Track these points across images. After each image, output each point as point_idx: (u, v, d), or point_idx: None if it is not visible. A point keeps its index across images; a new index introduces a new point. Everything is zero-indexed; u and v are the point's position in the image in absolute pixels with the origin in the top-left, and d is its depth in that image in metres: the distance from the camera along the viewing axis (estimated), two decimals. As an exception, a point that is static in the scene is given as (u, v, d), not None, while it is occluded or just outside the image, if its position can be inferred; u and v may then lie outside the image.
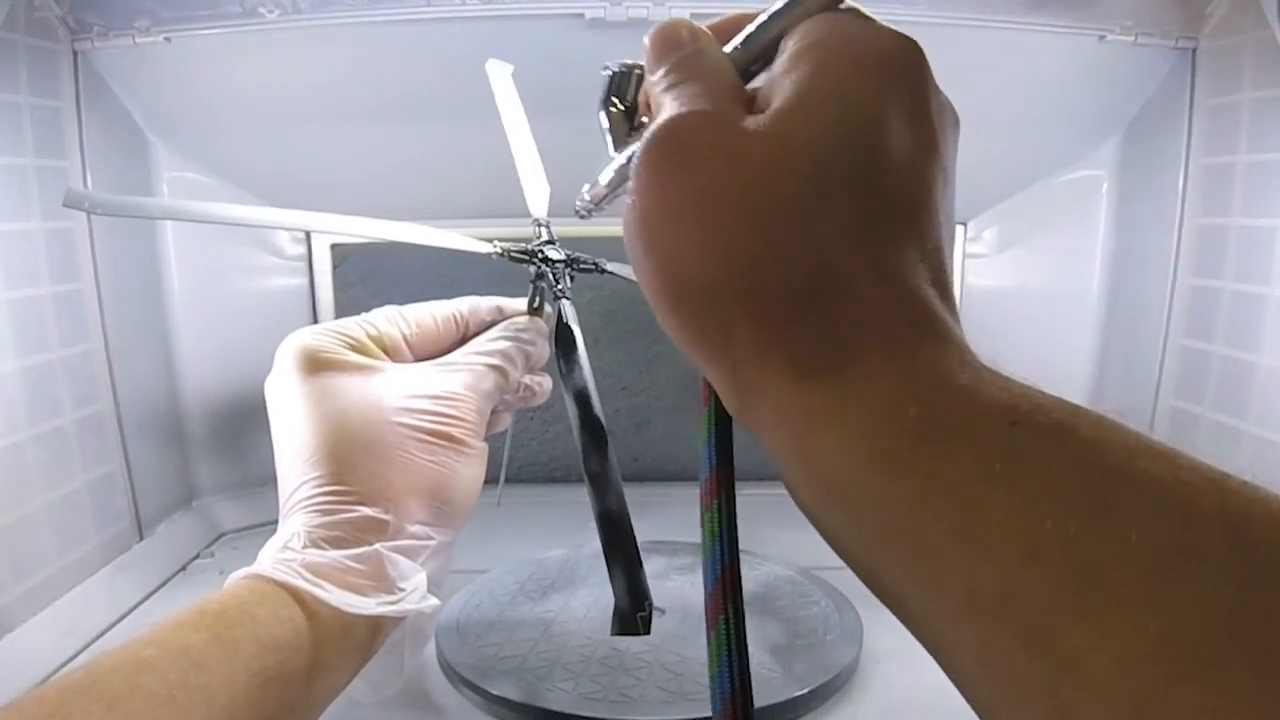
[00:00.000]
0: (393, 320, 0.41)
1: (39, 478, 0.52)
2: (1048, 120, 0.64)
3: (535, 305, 0.45)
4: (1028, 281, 0.73)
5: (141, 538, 0.61)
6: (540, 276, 0.46)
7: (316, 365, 0.37)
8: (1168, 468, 0.15)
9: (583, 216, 0.31)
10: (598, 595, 0.52)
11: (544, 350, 0.43)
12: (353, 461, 0.35)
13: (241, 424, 0.70)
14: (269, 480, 0.71)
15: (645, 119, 0.27)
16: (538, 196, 0.47)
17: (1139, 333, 0.66)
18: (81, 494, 0.55)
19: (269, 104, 0.62)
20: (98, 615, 0.53)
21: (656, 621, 0.49)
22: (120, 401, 0.60)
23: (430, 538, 0.36)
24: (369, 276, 0.73)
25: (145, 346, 0.64)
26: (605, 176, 0.28)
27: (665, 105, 0.21)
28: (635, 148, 0.22)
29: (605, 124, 0.28)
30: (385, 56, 0.60)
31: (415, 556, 0.35)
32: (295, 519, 0.34)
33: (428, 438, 0.36)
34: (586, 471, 0.44)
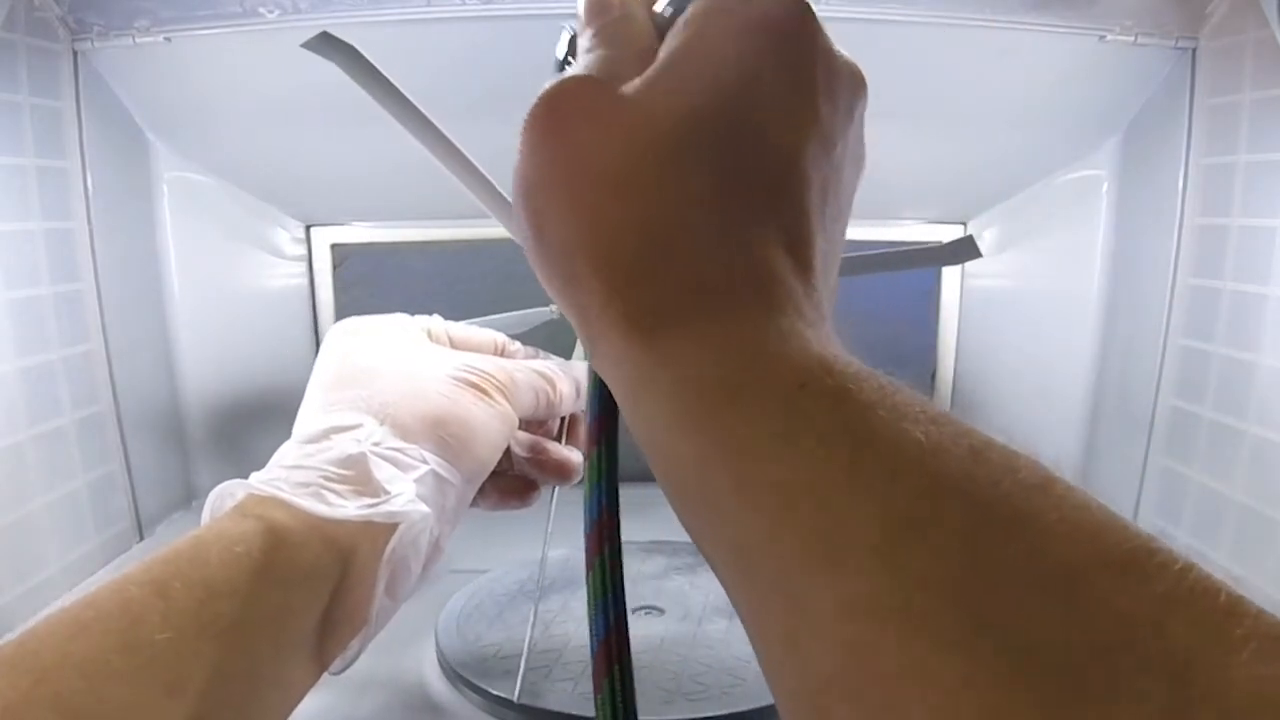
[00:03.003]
0: (444, 323, 0.40)
1: (39, 478, 0.52)
2: (1048, 120, 0.64)
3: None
4: (1028, 282, 0.73)
5: (141, 538, 0.61)
6: None
7: (359, 328, 0.37)
8: (930, 431, 0.16)
9: None
10: (598, 595, 0.52)
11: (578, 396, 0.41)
12: (363, 384, 0.33)
13: (241, 424, 0.70)
14: (269, 480, 0.71)
15: None
16: None
17: (1139, 333, 0.66)
18: (81, 494, 0.55)
19: (269, 104, 0.62)
20: (98, 615, 0.53)
21: (656, 621, 0.49)
22: (120, 401, 0.60)
23: (425, 461, 0.32)
24: (369, 276, 0.74)
25: (145, 346, 0.64)
26: None
27: (572, 71, 0.22)
28: None
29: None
30: (385, 56, 0.59)
31: (406, 471, 0.31)
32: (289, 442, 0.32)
33: (450, 379, 0.34)
34: None
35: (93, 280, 0.57)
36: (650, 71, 0.21)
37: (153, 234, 0.65)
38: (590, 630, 0.21)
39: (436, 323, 0.39)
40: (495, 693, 0.42)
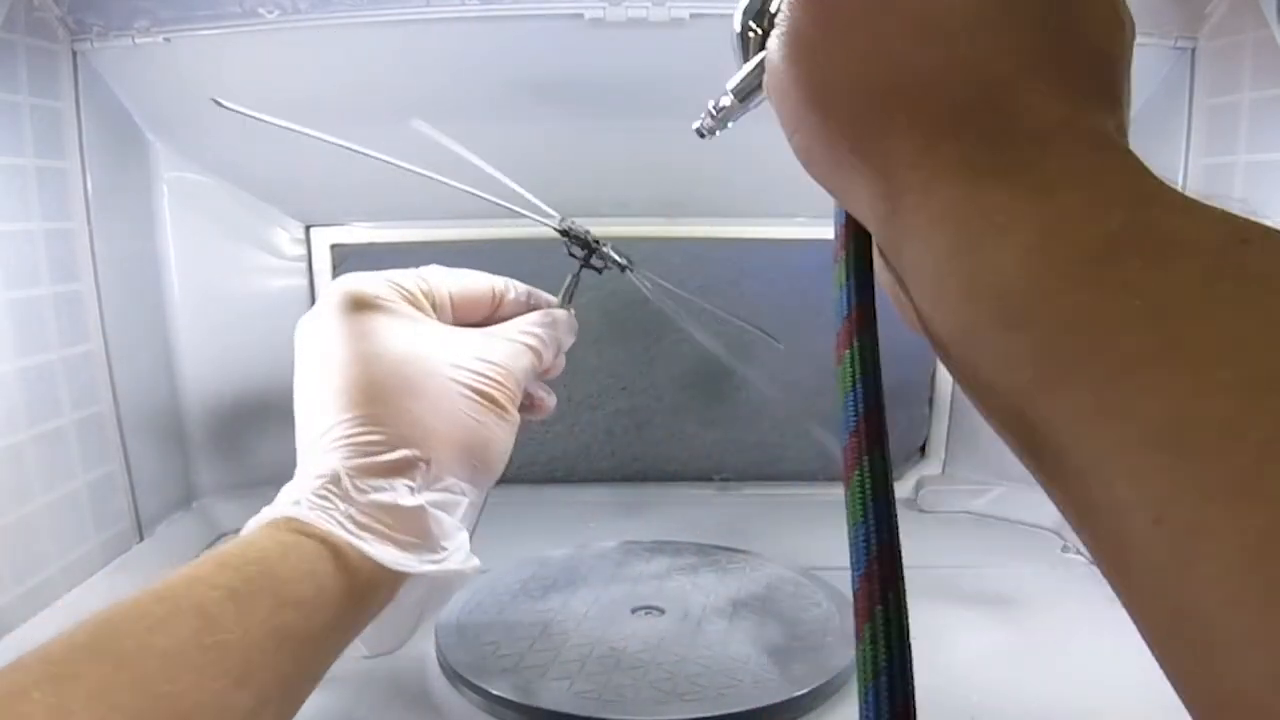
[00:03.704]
0: (445, 278, 0.40)
1: (39, 478, 0.52)
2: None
3: (568, 299, 0.45)
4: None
5: (141, 538, 0.61)
6: (579, 269, 0.45)
7: (364, 306, 0.36)
8: None
9: (704, 135, 0.31)
10: (598, 595, 0.52)
11: (570, 343, 0.43)
12: (396, 404, 0.33)
13: (241, 424, 0.70)
14: (269, 480, 0.71)
15: None
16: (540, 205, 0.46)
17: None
18: (81, 494, 0.56)
19: (269, 104, 0.62)
20: (98, 615, 0.53)
21: (656, 621, 0.49)
22: (120, 401, 0.60)
23: (464, 494, 0.35)
24: (369, 276, 0.74)
25: (145, 346, 0.64)
26: (734, 87, 0.28)
27: None
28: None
29: (737, 44, 0.28)
30: (385, 56, 0.60)
31: (453, 512, 0.34)
32: (329, 458, 0.32)
33: (471, 394, 0.35)
34: None
35: (93, 280, 0.57)
36: None
37: (153, 234, 0.65)
38: (850, 561, 0.18)
39: (436, 278, 0.39)
40: (495, 692, 0.42)
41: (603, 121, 0.64)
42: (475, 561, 0.34)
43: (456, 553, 0.33)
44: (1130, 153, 0.17)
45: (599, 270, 0.46)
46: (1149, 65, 0.61)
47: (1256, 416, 0.12)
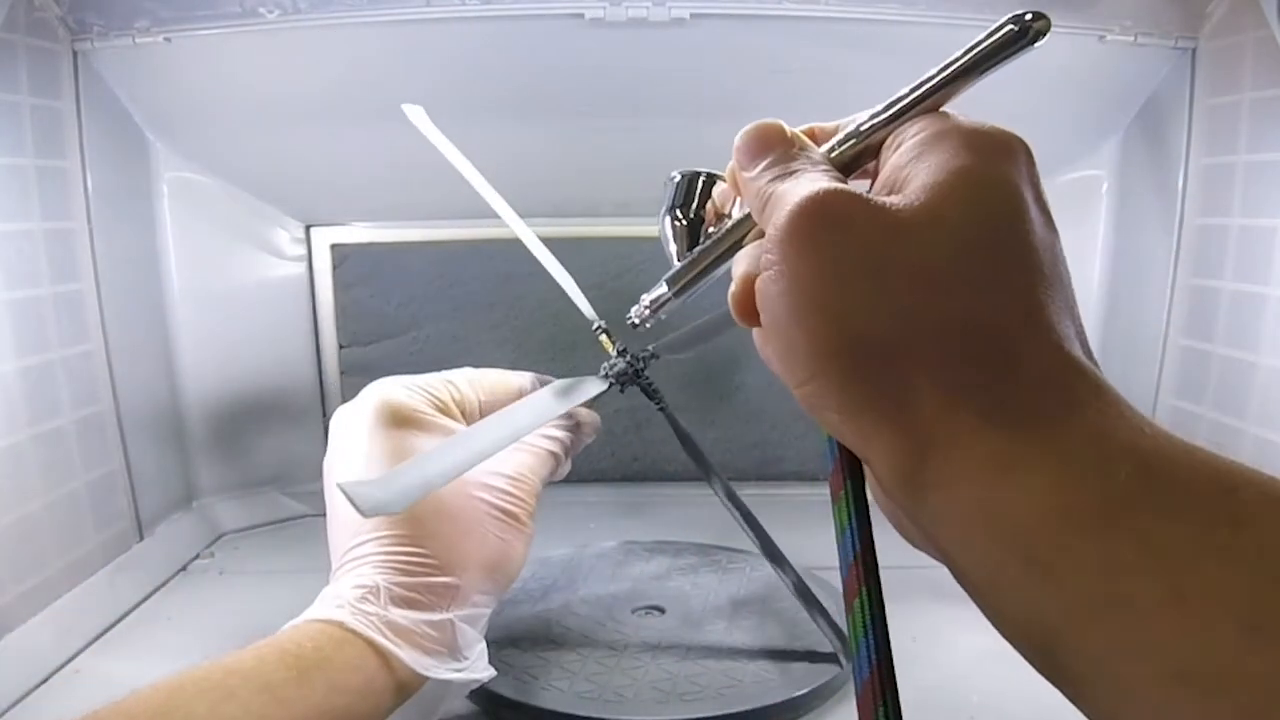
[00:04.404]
0: (473, 384, 0.42)
1: (39, 478, 0.52)
2: (1048, 120, 0.64)
3: (593, 400, 0.46)
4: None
5: (141, 538, 0.61)
6: (619, 379, 0.47)
7: (402, 421, 0.38)
8: None
9: (637, 326, 0.32)
10: (600, 595, 0.52)
11: (590, 441, 0.46)
12: (435, 529, 0.36)
13: (241, 424, 0.70)
14: (269, 480, 0.71)
15: (713, 229, 0.28)
16: (582, 301, 0.47)
17: (1139, 333, 0.66)
18: (81, 494, 0.55)
19: (269, 104, 0.62)
20: (98, 615, 0.53)
21: (656, 620, 0.49)
22: (120, 401, 0.60)
23: (487, 607, 0.38)
24: (369, 276, 0.73)
25: (145, 346, 0.64)
26: (669, 283, 0.29)
27: (788, 189, 0.22)
28: (712, 243, 0.26)
29: (669, 233, 0.29)
30: (385, 56, 0.59)
31: (475, 624, 0.37)
32: (369, 571, 0.35)
33: (500, 515, 0.38)
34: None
35: (93, 280, 0.57)
36: (926, 183, 0.21)
37: (153, 234, 0.65)
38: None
39: (466, 384, 0.42)
40: (495, 692, 0.42)
41: (603, 121, 0.64)
42: (492, 671, 0.38)
43: (477, 661, 0.37)
44: (1110, 389, 0.19)
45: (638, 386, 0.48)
46: (1149, 65, 0.61)
47: (1253, 661, 0.14)
